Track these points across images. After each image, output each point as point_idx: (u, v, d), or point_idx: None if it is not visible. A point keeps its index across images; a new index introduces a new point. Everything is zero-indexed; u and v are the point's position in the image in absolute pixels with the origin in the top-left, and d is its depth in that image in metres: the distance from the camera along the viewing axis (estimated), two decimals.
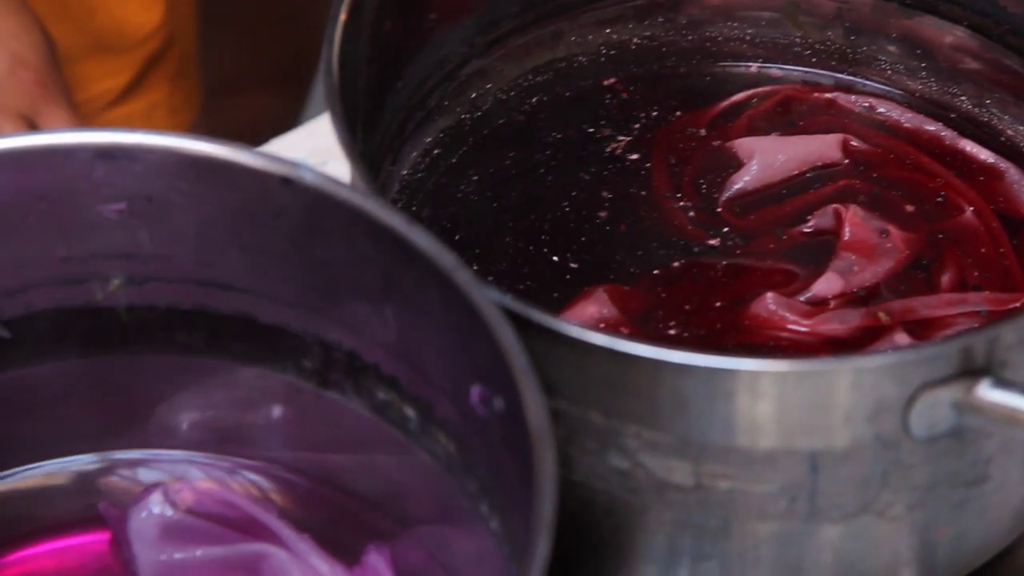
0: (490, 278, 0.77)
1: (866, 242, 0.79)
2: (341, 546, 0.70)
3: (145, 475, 0.72)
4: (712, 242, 0.80)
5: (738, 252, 0.79)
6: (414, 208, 0.80)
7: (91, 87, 1.07)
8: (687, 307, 0.77)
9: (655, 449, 0.66)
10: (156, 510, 0.70)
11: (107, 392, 0.72)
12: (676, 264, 0.79)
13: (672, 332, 0.76)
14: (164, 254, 0.68)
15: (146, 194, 0.66)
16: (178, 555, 0.69)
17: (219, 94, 1.26)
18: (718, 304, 0.77)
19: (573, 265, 0.79)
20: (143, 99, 1.10)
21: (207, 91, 1.20)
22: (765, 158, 0.82)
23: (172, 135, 0.65)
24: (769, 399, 0.64)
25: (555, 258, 0.79)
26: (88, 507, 0.71)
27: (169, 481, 0.72)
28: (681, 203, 0.81)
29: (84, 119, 1.06)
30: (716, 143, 0.83)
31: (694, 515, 0.67)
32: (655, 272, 0.78)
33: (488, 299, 0.61)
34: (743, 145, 0.83)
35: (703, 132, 0.84)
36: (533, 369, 0.59)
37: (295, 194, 0.64)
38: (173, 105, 1.12)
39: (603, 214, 0.81)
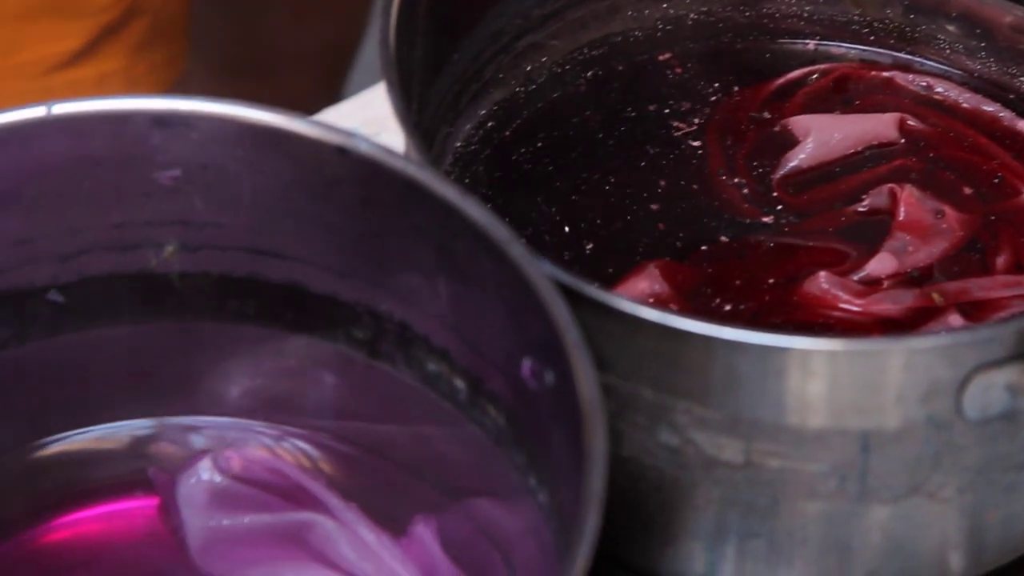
0: (542, 251, 0.77)
1: (921, 222, 0.78)
2: (388, 516, 0.70)
3: (195, 441, 0.73)
4: (765, 219, 0.79)
5: (791, 230, 0.79)
6: (467, 180, 0.80)
7: (40, 48, 1.05)
8: (738, 284, 0.77)
9: (705, 426, 0.65)
10: (205, 476, 0.70)
11: (159, 358, 0.72)
12: (728, 241, 0.78)
13: (723, 309, 0.76)
14: (218, 222, 0.68)
15: (201, 161, 0.66)
16: (226, 522, 0.69)
17: (247, 76, 1.25)
18: (770, 282, 0.76)
19: (624, 240, 0.78)
20: (94, 67, 1.07)
21: (237, 72, 1.18)
22: (821, 136, 0.81)
23: (230, 103, 0.65)
24: (821, 378, 0.64)
25: (606, 232, 0.79)
26: (138, 472, 0.72)
27: (218, 448, 0.72)
28: (735, 180, 0.81)
29: (28, 79, 1.05)
30: (771, 120, 0.83)
31: (743, 493, 0.67)
32: (707, 248, 0.78)
33: (541, 272, 0.61)
34: (799, 123, 0.82)
35: (758, 109, 0.84)
36: (585, 343, 0.59)
37: (350, 164, 0.64)
38: (133, 76, 1.10)
39: (656, 190, 0.80)
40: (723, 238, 0.78)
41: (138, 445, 0.73)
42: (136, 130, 0.65)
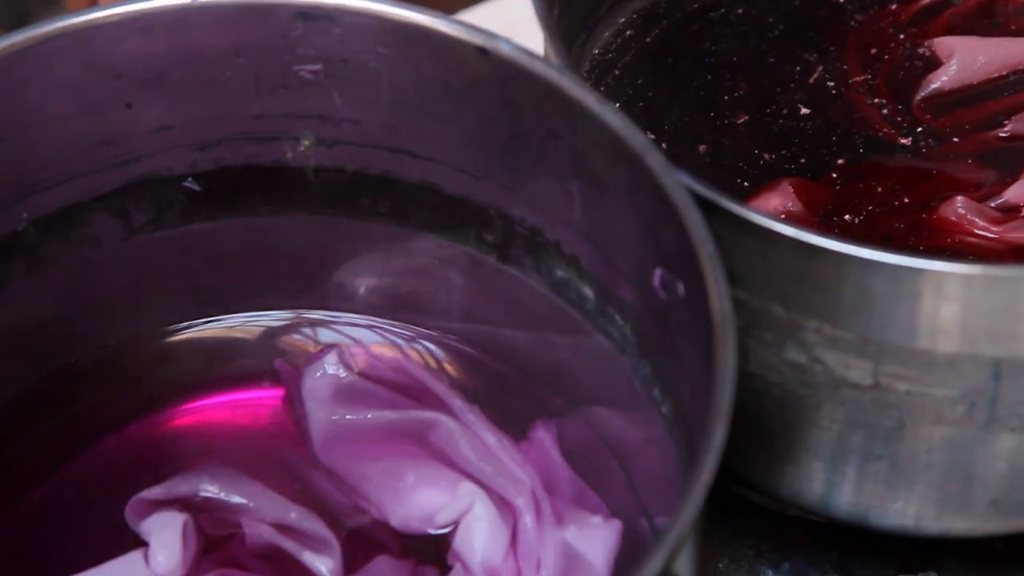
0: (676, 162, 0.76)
1: None
2: (509, 420, 0.70)
3: (323, 336, 0.73)
4: (904, 141, 0.78)
5: (929, 153, 0.78)
6: (603, 88, 0.80)
7: None
8: (873, 205, 0.76)
9: (835, 345, 0.65)
10: (330, 370, 0.71)
11: (290, 252, 0.72)
12: (865, 161, 0.77)
13: (855, 229, 0.75)
14: (355, 118, 0.68)
15: (342, 57, 0.66)
16: (349, 416, 0.70)
17: None
18: (905, 204, 0.76)
19: (759, 155, 0.78)
20: None
21: None
22: (965, 59, 0.80)
23: None
24: (955, 302, 0.63)
25: (741, 147, 0.78)
26: (265, 363, 0.72)
27: (345, 343, 0.73)
28: (875, 100, 0.80)
29: None
30: (915, 41, 0.82)
31: (869, 415, 0.67)
32: (842, 168, 0.77)
33: (678, 182, 0.60)
34: (943, 44, 0.81)
35: (903, 28, 0.82)
36: (719, 256, 0.58)
37: (490, 65, 0.64)
38: None
39: (793, 106, 0.79)
40: (859, 158, 0.77)
41: (268, 336, 0.73)
42: (280, 22, 0.65)
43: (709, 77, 0.80)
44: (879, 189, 0.76)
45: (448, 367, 0.73)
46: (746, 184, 0.76)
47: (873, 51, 0.81)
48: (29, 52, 0.63)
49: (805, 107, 0.79)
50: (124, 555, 0.65)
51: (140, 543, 0.66)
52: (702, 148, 0.78)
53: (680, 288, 0.61)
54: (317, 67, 0.66)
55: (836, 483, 0.70)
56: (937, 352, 0.64)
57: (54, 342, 0.70)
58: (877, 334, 0.64)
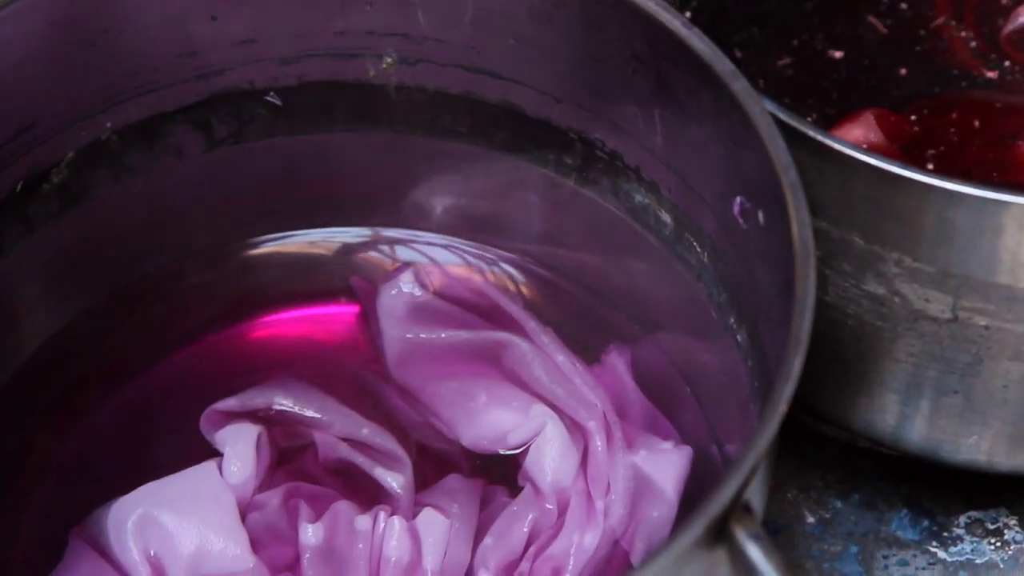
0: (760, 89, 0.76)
1: None
2: (582, 343, 0.70)
3: (401, 254, 0.73)
4: (990, 75, 0.77)
5: (1015, 88, 0.77)
6: (688, 13, 0.79)
7: None
8: (955, 138, 0.75)
9: (914, 278, 0.65)
10: (406, 288, 0.71)
11: (370, 169, 0.73)
12: (949, 94, 0.77)
13: (936, 162, 0.74)
14: (438, 37, 0.68)
15: None
16: (423, 335, 0.70)
17: None
18: (988, 138, 0.75)
19: (841, 85, 0.77)
20: None
21: None
22: None
23: None
24: None
25: (824, 77, 0.78)
26: (342, 279, 0.73)
27: (421, 262, 0.73)
28: (962, 32, 0.79)
29: None
30: None
31: (946, 349, 0.66)
32: (926, 100, 0.77)
33: (762, 109, 0.60)
34: None
35: None
36: (801, 185, 0.58)
37: None
38: None
39: (879, 38, 0.79)
40: (943, 90, 0.77)
41: (345, 253, 0.74)
42: None
43: (794, 4, 0.80)
44: (962, 122, 0.76)
45: (523, 289, 0.73)
46: (828, 114, 0.76)
47: None
48: None
49: (891, 39, 0.79)
50: (199, 464, 0.65)
51: (214, 453, 0.66)
52: (785, 76, 0.77)
53: (760, 216, 0.61)
54: None
55: (909, 416, 0.70)
56: (1017, 287, 0.64)
57: (135, 252, 0.71)
58: (957, 268, 0.64)
